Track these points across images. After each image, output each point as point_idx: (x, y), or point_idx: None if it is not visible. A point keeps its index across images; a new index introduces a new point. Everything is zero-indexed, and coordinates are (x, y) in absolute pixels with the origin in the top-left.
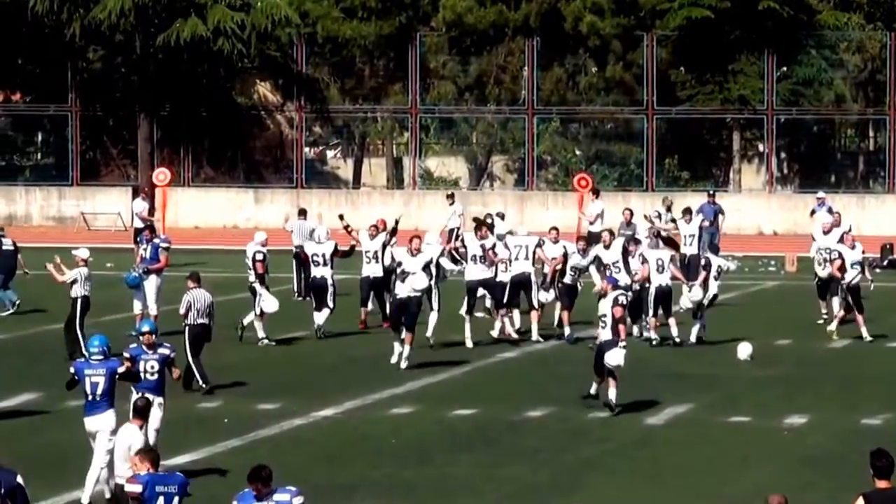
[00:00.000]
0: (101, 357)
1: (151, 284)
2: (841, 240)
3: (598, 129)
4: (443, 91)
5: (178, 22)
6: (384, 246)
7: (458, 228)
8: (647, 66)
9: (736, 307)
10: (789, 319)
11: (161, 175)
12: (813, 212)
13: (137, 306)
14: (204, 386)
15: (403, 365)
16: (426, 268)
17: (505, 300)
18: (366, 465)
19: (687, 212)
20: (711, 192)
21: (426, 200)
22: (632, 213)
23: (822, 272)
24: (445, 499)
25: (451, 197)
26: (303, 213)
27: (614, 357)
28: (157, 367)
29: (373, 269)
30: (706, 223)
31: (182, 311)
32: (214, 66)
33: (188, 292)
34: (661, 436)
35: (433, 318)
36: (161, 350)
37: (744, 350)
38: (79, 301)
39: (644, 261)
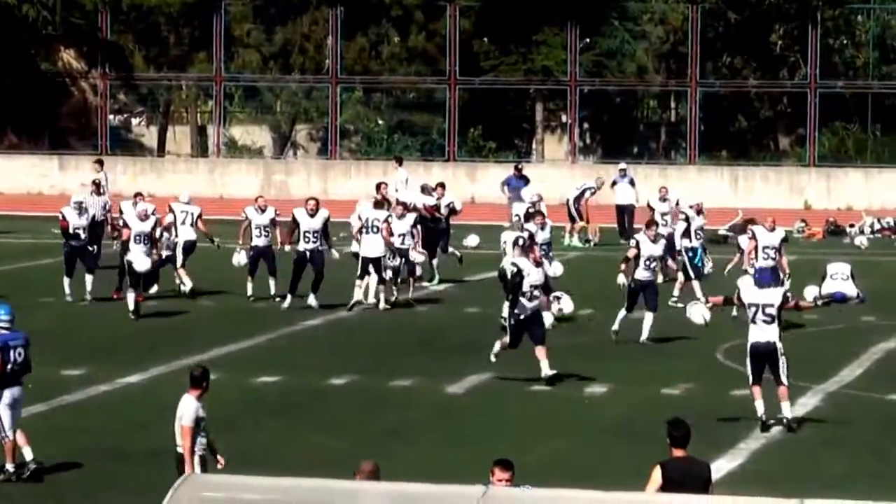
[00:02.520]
0: None
1: None
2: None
3: (401, 98)
4: (247, 59)
5: None
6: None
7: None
8: (449, 36)
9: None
10: (591, 289)
11: None
12: (614, 182)
13: None
14: None
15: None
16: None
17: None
18: (167, 434)
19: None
20: (519, 165)
21: (230, 168)
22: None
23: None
24: (250, 466)
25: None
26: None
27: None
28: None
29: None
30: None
31: None
32: (19, 33)
33: None
34: (461, 404)
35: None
36: None
37: (547, 318)
38: None
39: None
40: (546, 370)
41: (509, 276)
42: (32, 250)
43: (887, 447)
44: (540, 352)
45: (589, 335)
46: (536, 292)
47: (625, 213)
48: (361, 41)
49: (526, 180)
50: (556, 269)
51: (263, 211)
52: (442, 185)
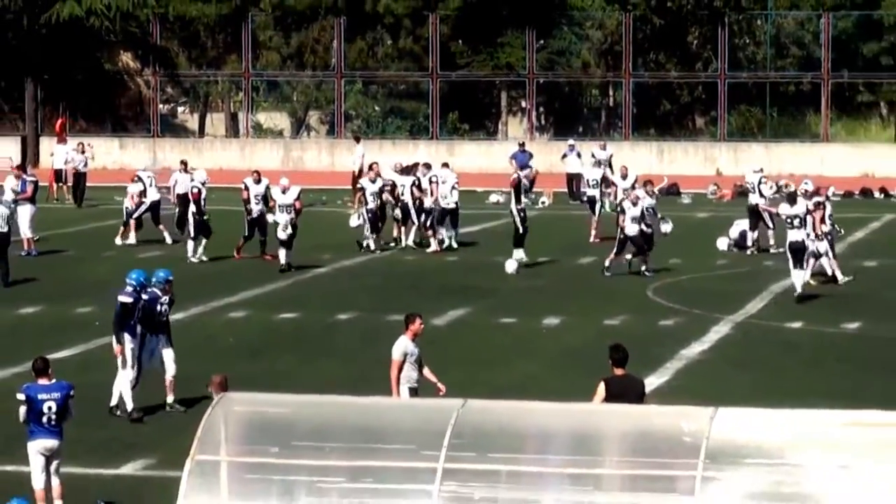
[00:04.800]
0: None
1: (25, 213)
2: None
3: (393, 89)
4: (270, 59)
5: (58, 4)
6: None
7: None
8: (431, 40)
9: (505, 232)
10: (548, 241)
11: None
12: (564, 155)
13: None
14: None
15: None
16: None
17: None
18: (208, 361)
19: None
20: (522, 142)
21: (257, 147)
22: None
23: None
24: (274, 388)
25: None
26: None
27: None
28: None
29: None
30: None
31: None
32: (87, 40)
33: None
34: (444, 335)
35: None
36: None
37: (511, 265)
38: None
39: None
40: None
41: None
42: (99, 214)
43: (785, 365)
44: None
45: (544, 278)
46: None
47: (573, 180)
48: (361, 44)
49: (529, 154)
50: (666, 227)
51: (374, 182)
52: (426, 165)
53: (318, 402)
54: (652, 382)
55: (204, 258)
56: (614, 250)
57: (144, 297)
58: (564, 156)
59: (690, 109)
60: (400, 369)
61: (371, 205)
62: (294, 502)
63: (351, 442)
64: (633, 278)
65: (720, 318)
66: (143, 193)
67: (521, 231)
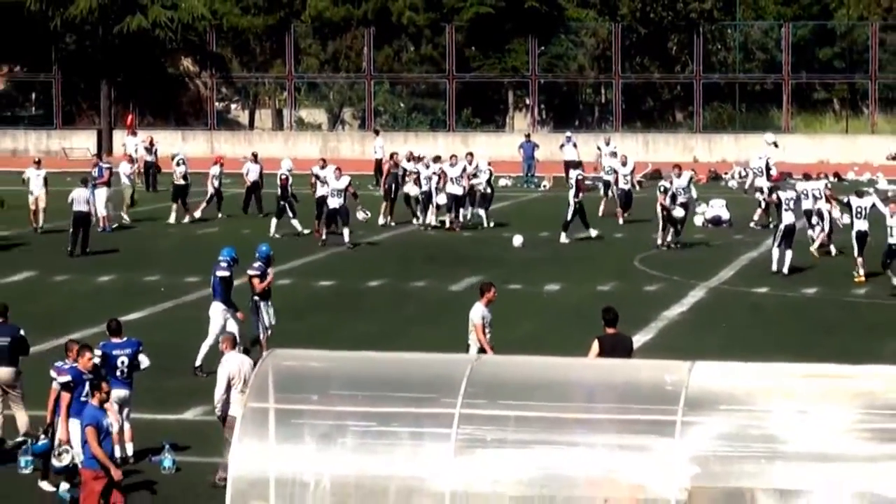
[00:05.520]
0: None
1: (101, 195)
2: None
3: (416, 89)
4: (309, 63)
5: (128, 17)
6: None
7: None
8: (448, 46)
9: (512, 211)
10: (548, 219)
11: (130, 120)
12: (562, 145)
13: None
14: (69, 250)
15: None
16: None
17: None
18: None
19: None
20: (528, 134)
21: (299, 139)
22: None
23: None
24: (313, 343)
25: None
26: (254, 156)
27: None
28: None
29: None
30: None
31: (69, 201)
32: (153, 48)
33: (75, 190)
34: (460, 299)
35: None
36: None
37: (517, 239)
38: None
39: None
40: None
41: None
42: (166, 196)
43: (753, 324)
44: None
45: (543, 250)
46: None
47: (570, 167)
48: (388, 50)
49: (535, 144)
50: (680, 213)
51: (428, 167)
52: (454, 156)
53: (352, 356)
54: (638, 340)
55: (277, 235)
56: (661, 227)
57: (255, 272)
58: (562, 146)
59: (671, 106)
60: (483, 331)
61: (425, 187)
62: (331, 444)
63: (380, 391)
64: (622, 251)
65: (696, 284)
66: (185, 176)
67: (568, 219)
